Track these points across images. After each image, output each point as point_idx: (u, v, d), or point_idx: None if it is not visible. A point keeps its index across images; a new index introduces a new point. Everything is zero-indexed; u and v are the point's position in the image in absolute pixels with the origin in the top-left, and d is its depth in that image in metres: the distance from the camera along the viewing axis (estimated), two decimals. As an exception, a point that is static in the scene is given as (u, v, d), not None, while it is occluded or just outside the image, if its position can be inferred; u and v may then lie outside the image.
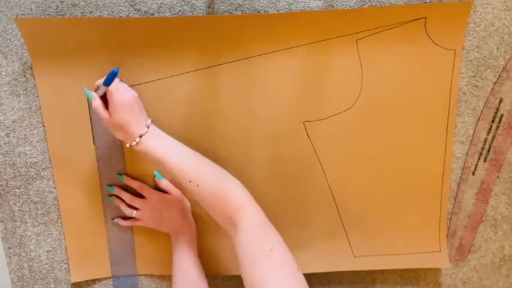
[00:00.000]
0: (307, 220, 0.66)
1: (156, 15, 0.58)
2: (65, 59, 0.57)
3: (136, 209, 0.62)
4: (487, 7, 0.60)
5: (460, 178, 0.67)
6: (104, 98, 0.53)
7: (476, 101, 0.64)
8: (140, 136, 0.52)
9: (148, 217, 0.62)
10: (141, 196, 0.62)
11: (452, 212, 0.68)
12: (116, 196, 0.63)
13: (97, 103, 0.52)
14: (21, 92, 0.59)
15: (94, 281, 0.67)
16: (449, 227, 0.69)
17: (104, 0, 0.57)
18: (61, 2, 0.56)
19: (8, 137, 0.61)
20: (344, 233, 0.67)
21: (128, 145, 0.52)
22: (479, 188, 0.67)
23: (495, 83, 0.63)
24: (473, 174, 0.67)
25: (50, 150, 0.61)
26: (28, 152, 0.61)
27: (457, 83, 0.62)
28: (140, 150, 0.52)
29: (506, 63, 0.62)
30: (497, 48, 0.62)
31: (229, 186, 0.52)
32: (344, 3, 0.59)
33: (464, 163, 0.66)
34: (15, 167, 0.62)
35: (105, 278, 0.67)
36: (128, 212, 0.62)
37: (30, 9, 0.56)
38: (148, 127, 0.53)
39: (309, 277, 0.69)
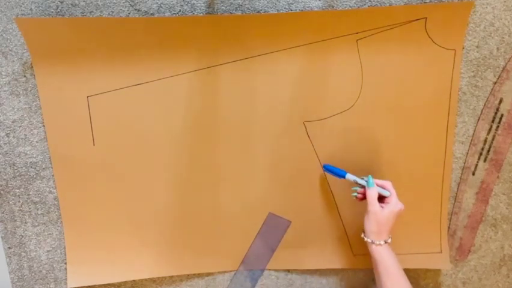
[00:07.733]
0: (308, 219, 0.66)
1: (156, 15, 0.58)
2: (65, 59, 0.57)
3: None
4: (487, 7, 0.60)
5: (460, 178, 0.67)
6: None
7: (476, 101, 0.64)
8: (385, 242, 0.57)
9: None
10: None
11: (452, 212, 0.68)
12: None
13: (374, 193, 0.58)
14: (21, 92, 0.59)
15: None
16: (449, 227, 0.69)
17: (104, 0, 0.57)
18: (61, 2, 0.56)
19: (8, 137, 0.61)
20: (344, 232, 0.67)
21: (367, 239, 0.58)
22: (479, 188, 0.67)
23: (495, 83, 0.63)
24: (473, 174, 0.67)
25: (50, 150, 0.61)
26: (28, 152, 0.61)
27: (457, 83, 0.62)
28: (374, 249, 0.58)
29: (506, 63, 0.62)
30: (497, 48, 0.62)
31: None
32: (344, 3, 0.59)
33: (464, 163, 0.66)
34: (15, 167, 0.62)
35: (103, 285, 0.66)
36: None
37: (30, 9, 0.56)
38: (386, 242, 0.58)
39: (308, 277, 0.70)
